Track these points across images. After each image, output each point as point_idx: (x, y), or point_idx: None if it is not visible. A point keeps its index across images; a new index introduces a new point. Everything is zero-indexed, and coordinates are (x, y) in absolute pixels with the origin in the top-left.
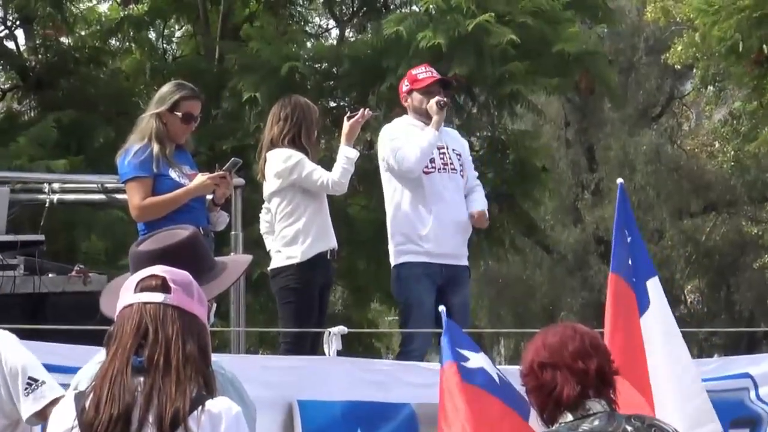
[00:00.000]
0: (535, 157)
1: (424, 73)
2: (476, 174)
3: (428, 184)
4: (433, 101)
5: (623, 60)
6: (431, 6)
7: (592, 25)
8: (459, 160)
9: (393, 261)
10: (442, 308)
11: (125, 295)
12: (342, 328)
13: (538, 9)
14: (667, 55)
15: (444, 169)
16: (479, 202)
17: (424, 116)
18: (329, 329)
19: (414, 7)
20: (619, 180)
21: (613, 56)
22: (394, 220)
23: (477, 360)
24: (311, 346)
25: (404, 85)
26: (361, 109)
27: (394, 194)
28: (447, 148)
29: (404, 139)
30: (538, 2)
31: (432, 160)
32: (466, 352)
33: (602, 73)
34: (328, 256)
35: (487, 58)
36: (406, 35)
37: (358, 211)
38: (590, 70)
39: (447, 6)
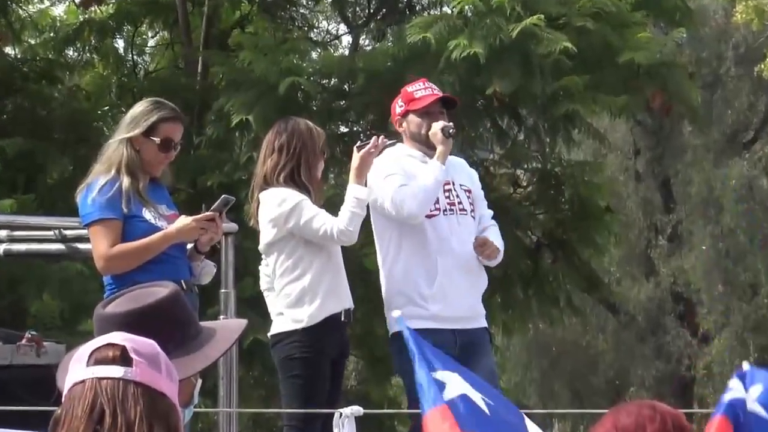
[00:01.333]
0: (596, 194)
1: (422, 90)
2: (491, 213)
3: (432, 229)
4: (436, 127)
5: (707, 72)
6: (466, 7)
7: (668, 30)
8: (469, 197)
9: (391, 328)
10: (396, 313)
11: (76, 368)
12: (357, 409)
13: (600, 10)
14: (762, 66)
15: (451, 210)
16: (490, 234)
17: (424, 144)
18: (341, 410)
19: (445, 9)
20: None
21: (694, 68)
22: (390, 277)
23: (454, 383)
24: (322, 429)
25: (398, 105)
26: (374, 137)
27: (389, 244)
28: (453, 184)
29: (402, 176)
30: (600, 1)
31: (436, 201)
32: (440, 375)
33: (681, 89)
34: (342, 319)
35: (536, 71)
36: (435, 43)
37: (376, 264)
38: (666, 85)
39: (486, 7)
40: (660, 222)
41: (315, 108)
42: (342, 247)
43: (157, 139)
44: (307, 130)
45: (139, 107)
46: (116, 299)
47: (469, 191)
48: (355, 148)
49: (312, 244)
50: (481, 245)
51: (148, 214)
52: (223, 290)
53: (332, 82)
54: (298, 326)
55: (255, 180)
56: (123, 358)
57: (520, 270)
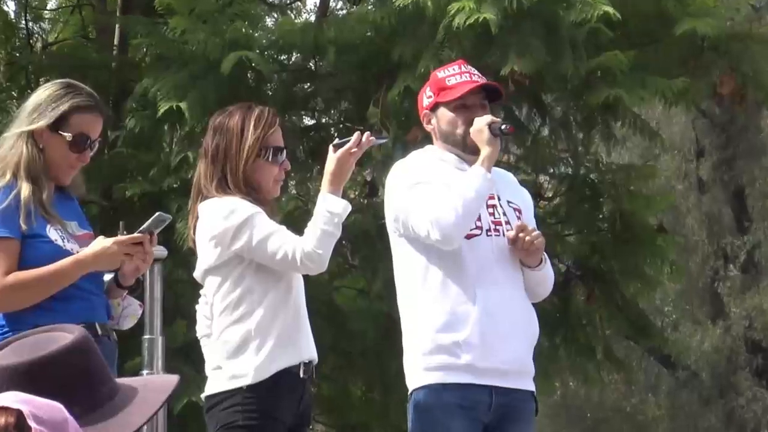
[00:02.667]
0: (646, 209)
1: (457, 75)
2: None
3: (471, 254)
4: (481, 123)
5: None
6: None
7: None
8: (519, 218)
9: (411, 382)
10: None
11: None
12: None
13: None
14: None
15: (497, 231)
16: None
17: (460, 147)
18: None
19: None
20: None
21: None
22: (415, 315)
23: None
24: None
25: (426, 96)
26: (356, 132)
27: (413, 273)
28: (499, 199)
29: (435, 186)
30: None
31: (477, 218)
32: None
33: (759, 70)
34: (301, 375)
35: (565, 44)
36: (431, 6)
37: (352, 300)
38: (739, 64)
39: None
40: (731, 246)
41: (270, 93)
42: (305, 277)
43: (68, 135)
44: (240, 122)
45: (44, 91)
46: (7, 347)
47: (519, 211)
48: (330, 147)
49: (265, 272)
50: (522, 231)
51: (53, 233)
52: (147, 336)
53: (293, 59)
54: (242, 383)
55: (193, 189)
56: (18, 426)
57: (543, 310)
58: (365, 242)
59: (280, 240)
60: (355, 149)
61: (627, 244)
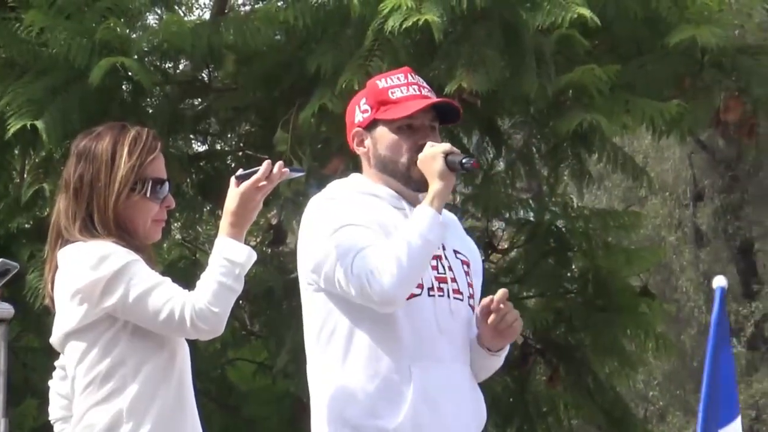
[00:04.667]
0: (626, 267)
1: (404, 86)
2: None
3: (408, 321)
4: (437, 150)
5: None
6: None
7: None
8: (466, 273)
9: None
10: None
11: None
12: None
13: None
14: None
15: (440, 290)
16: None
17: (400, 177)
18: None
19: None
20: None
21: None
22: (328, 395)
23: None
24: None
25: (359, 109)
26: (266, 162)
27: (329, 341)
28: (444, 249)
29: (367, 228)
30: None
31: None
32: None
33: None
34: None
35: (528, 56)
36: (358, 5)
37: (249, 377)
38: (748, 84)
39: None
40: (735, 316)
41: (151, 110)
42: (194, 344)
43: None
44: (110, 147)
45: None
46: None
47: (468, 264)
48: (232, 180)
49: (143, 337)
50: (501, 301)
51: None
52: None
53: (182, 67)
54: None
55: (51, 231)
56: None
57: (493, 392)
58: (268, 303)
59: (164, 295)
60: (264, 182)
61: (602, 311)
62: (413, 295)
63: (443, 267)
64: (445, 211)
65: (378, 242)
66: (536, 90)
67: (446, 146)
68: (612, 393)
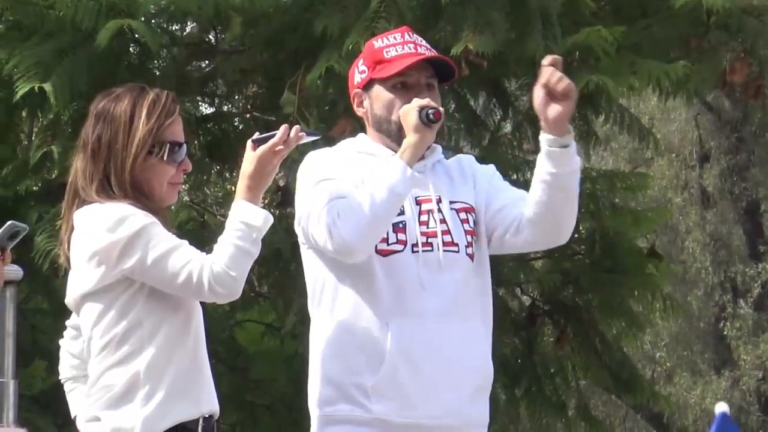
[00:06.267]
0: (633, 228)
1: (399, 45)
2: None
3: (386, 276)
4: (411, 106)
5: None
6: None
7: None
8: (467, 224)
9: None
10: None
11: None
12: None
13: None
14: None
15: (427, 245)
16: None
17: (395, 137)
18: None
19: None
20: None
21: None
22: (317, 352)
23: None
24: None
25: (358, 70)
26: (283, 126)
27: (320, 295)
28: (439, 202)
29: (341, 183)
30: None
31: (399, 228)
32: None
33: None
34: (200, 430)
35: (534, 17)
36: None
37: (257, 339)
38: (754, 45)
39: None
40: (741, 277)
41: (158, 73)
42: (206, 307)
43: None
44: (129, 108)
45: None
46: None
47: (468, 210)
48: (249, 144)
49: (159, 300)
50: (551, 63)
51: None
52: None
53: (188, 30)
54: None
55: (68, 190)
56: None
57: (501, 354)
58: (276, 264)
59: (182, 258)
60: (281, 146)
61: (609, 272)
62: (394, 251)
63: (435, 221)
64: (460, 157)
65: (345, 194)
66: (542, 51)
67: (424, 101)
68: (619, 354)
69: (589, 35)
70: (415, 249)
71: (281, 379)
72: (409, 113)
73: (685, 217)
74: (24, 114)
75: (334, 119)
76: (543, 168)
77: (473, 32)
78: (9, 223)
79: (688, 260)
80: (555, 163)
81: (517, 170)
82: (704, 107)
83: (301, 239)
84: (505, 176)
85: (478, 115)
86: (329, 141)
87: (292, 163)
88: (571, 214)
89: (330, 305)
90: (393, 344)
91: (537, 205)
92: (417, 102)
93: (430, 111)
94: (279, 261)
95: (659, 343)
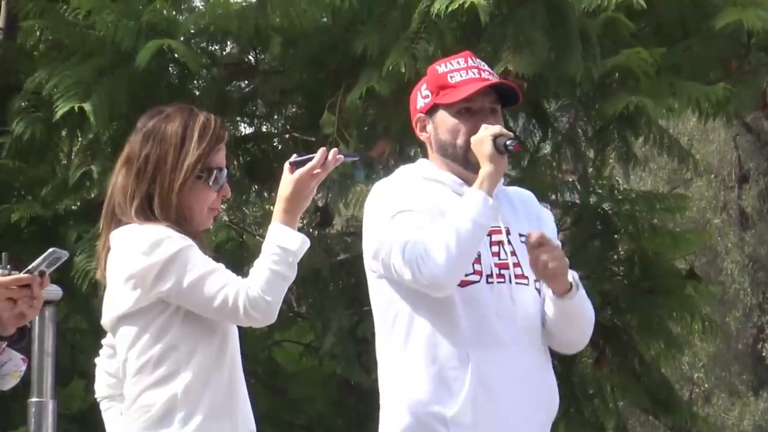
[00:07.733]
0: (672, 249)
1: (463, 70)
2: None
3: (466, 306)
4: (486, 132)
5: None
6: None
7: None
8: None
9: None
10: None
11: None
12: None
13: None
14: None
15: (501, 276)
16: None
17: (460, 161)
18: None
19: None
20: None
21: None
22: (393, 380)
23: None
24: None
25: (421, 95)
26: (321, 149)
27: (393, 326)
28: (508, 234)
29: (422, 214)
30: None
31: (476, 258)
32: None
33: None
34: None
35: (574, 39)
36: None
37: (296, 359)
38: None
39: None
40: None
41: (197, 93)
42: (243, 330)
43: None
44: (180, 130)
45: None
46: None
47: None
48: (286, 166)
49: (195, 323)
50: (541, 243)
51: None
52: (34, 399)
53: (228, 50)
54: None
55: (105, 207)
56: None
57: None
58: (315, 285)
59: (219, 282)
60: (319, 170)
61: (648, 293)
62: (471, 282)
63: (506, 252)
64: (519, 189)
65: (429, 228)
66: (582, 72)
67: (496, 128)
68: (658, 375)
69: (629, 57)
70: (489, 280)
71: (319, 399)
72: (483, 142)
73: (724, 238)
74: (64, 133)
75: (374, 140)
76: (547, 299)
77: (513, 53)
78: (50, 250)
79: (726, 281)
80: (557, 303)
81: (555, 191)
82: (743, 128)
83: (376, 271)
84: (544, 197)
85: (518, 135)
86: (368, 162)
87: (331, 183)
88: (580, 332)
89: (404, 334)
90: (473, 374)
91: (547, 320)
92: (490, 130)
93: (508, 142)
94: (318, 281)
95: (697, 364)
